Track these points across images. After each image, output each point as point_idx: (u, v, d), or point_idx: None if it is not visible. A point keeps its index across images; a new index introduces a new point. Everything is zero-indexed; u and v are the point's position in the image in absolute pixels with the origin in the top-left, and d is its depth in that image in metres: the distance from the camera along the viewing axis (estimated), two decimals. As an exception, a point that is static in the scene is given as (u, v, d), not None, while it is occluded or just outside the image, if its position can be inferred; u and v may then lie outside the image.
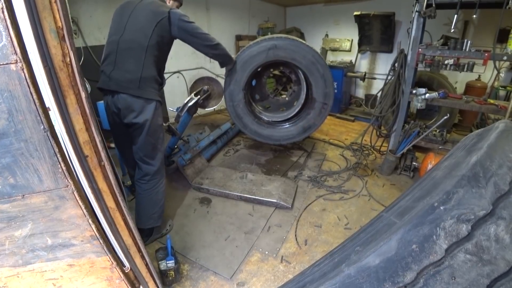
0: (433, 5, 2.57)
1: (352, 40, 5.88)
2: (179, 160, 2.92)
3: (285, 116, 3.49)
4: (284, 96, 3.91)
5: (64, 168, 0.93)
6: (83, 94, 0.99)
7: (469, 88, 4.43)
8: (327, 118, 5.14)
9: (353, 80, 6.03)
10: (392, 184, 3.06)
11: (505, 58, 2.49)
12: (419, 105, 2.94)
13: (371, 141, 3.53)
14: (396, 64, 3.09)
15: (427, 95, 2.91)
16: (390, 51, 5.49)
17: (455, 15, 2.56)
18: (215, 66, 5.23)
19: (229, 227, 2.36)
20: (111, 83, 1.85)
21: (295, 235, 2.28)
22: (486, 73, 3.93)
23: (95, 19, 3.51)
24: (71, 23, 3.35)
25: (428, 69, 3.36)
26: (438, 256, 0.68)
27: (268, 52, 2.90)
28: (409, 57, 2.92)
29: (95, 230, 1.07)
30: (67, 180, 0.95)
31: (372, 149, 3.66)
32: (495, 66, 2.60)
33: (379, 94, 3.43)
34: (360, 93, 6.28)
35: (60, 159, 0.91)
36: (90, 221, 1.04)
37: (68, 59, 0.93)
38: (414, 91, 2.98)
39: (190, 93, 2.91)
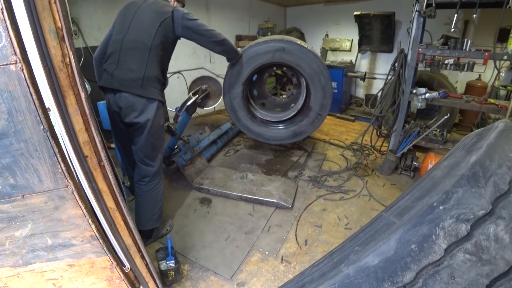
0: (433, 5, 2.56)
1: (352, 40, 5.88)
2: (179, 160, 2.92)
3: (279, 117, 3.49)
4: (283, 96, 3.91)
5: (64, 168, 0.93)
6: (82, 95, 0.99)
7: (470, 88, 4.43)
8: (327, 118, 5.17)
9: (353, 80, 6.03)
10: (393, 184, 3.05)
11: (505, 57, 2.48)
12: (419, 104, 2.94)
13: (372, 141, 3.53)
14: (396, 64, 3.09)
15: (428, 94, 2.91)
16: (390, 51, 5.49)
17: (455, 15, 2.56)
18: (215, 66, 5.26)
19: (229, 227, 2.36)
20: (113, 82, 1.85)
21: (296, 235, 2.28)
22: (487, 73, 3.93)
23: (95, 19, 3.52)
24: (71, 23, 3.36)
25: (428, 69, 3.36)
26: (437, 256, 0.68)
27: (274, 53, 2.90)
28: (409, 57, 2.91)
29: (95, 230, 1.07)
30: (67, 180, 0.95)
31: (372, 149, 3.65)
32: (495, 66, 2.59)
33: (379, 94, 3.43)
34: (360, 93, 6.28)
35: (60, 159, 0.92)
36: (90, 221, 1.04)
37: (68, 60, 0.93)
38: (414, 91, 2.98)
39: (189, 92, 2.91)
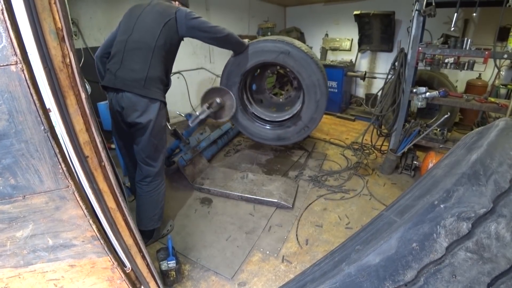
0: (433, 4, 2.56)
1: (352, 39, 5.88)
2: (180, 161, 2.92)
3: (270, 117, 3.49)
4: (281, 97, 3.92)
5: (64, 168, 0.93)
6: (83, 95, 1.00)
7: (470, 87, 4.42)
8: (328, 117, 5.20)
9: (354, 79, 6.02)
10: (393, 183, 3.05)
11: (505, 56, 2.48)
12: (419, 104, 2.93)
13: (372, 140, 3.52)
14: (396, 63, 3.09)
15: (428, 94, 2.91)
16: (390, 50, 5.48)
17: (455, 14, 2.55)
18: (215, 67, 5.26)
19: (230, 227, 2.36)
20: (116, 81, 1.86)
21: (296, 235, 2.28)
22: (487, 72, 3.92)
23: (95, 20, 3.52)
24: (71, 24, 3.36)
25: (429, 68, 3.37)
26: (438, 255, 0.68)
27: (279, 55, 2.89)
28: (409, 56, 2.91)
29: (96, 231, 1.07)
30: (68, 181, 0.95)
31: (372, 148, 3.65)
32: (495, 65, 2.59)
33: (379, 93, 3.43)
34: (361, 92, 6.27)
35: (60, 159, 0.92)
36: (90, 221, 1.05)
37: (68, 60, 0.94)
38: (414, 90, 2.98)
39: (202, 103, 2.90)
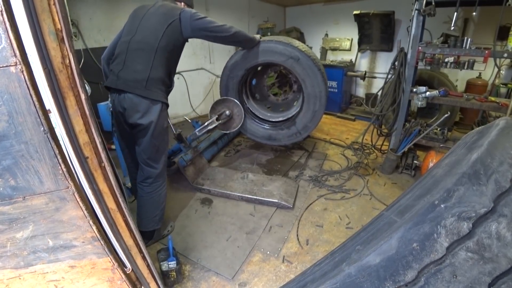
0: (433, 3, 2.56)
1: (352, 39, 5.88)
2: (180, 161, 2.92)
3: (265, 115, 3.49)
4: (279, 96, 3.92)
5: (64, 169, 0.93)
6: (82, 96, 1.00)
7: (470, 86, 4.42)
8: (328, 117, 5.20)
9: (354, 79, 6.02)
10: (394, 183, 3.05)
11: (505, 55, 2.48)
12: (419, 103, 2.93)
13: (372, 140, 3.52)
14: (396, 63, 3.09)
15: (428, 93, 2.91)
16: (390, 49, 5.48)
17: (455, 13, 2.55)
18: (215, 67, 5.26)
19: (230, 227, 2.36)
20: (118, 82, 1.86)
21: (297, 235, 2.28)
22: (487, 71, 3.91)
23: (95, 21, 3.52)
24: (71, 25, 3.37)
25: (429, 68, 3.36)
26: (439, 255, 0.68)
27: (288, 59, 2.88)
28: (409, 56, 2.91)
29: (96, 231, 1.07)
30: (68, 182, 0.95)
31: (373, 148, 3.65)
32: (495, 64, 2.59)
33: (379, 93, 3.42)
34: (361, 92, 6.27)
35: (60, 160, 0.92)
36: (91, 222, 1.04)
37: (68, 61, 0.94)
38: (414, 90, 2.97)
39: (211, 113, 2.91)
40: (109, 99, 2.03)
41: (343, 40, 5.95)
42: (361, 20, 5.33)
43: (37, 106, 0.84)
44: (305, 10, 6.47)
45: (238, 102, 2.97)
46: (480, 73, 4.25)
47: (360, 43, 5.72)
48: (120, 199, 1.18)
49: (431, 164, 2.78)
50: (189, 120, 3.35)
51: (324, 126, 4.79)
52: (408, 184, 3.04)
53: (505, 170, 0.76)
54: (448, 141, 3.08)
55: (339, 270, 0.77)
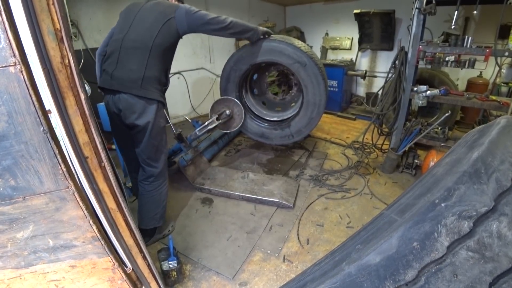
0: (433, 2, 2.55)
1: (352, 38, 5.86)
2: (180, 161, 2.92)
3: (260, 112, 3.49)
4: (277, 95, 3.91)
5: (64, 169, 0.93)
6: (82, 96, 1.00)
7: (471, 85, 4.40)
8: (328, 117, 5.19)
9: (354, 78, 6.01)
10: (394, 182, 3.04)
11: (506, 54, 2.46)
12: (420, 102, 2.92)
13: (373, 139, 3.52)
14: (396, 62, 3.08)
15: (428, 92, 2.90)
16: (390, 49, 5.47)
17: (456, 12, 2.54)
18: (216, 67, 5.26)
19: (231, 227, 2.36)
20: (113, 82, 1.83)
21: (297, 235, 2.28)
22: (488, 70, 3.90)
23: (95, 21, 3.52)
24: (71, 26, 3.36)
25: (429, 66, 3.35)
26: (439, 254, 0.68)
27: (295, 63, 2.87)
28: (409, 55, 2.90)
29: (96, 231, 1.07)
30: (68, 182, 0.95)
31: (373, 147, 3.64)
32: (496, 63, 2.58)
33: (380, 92, 3.42)
34: (361, 91, 6.26)
35: (60, 160, 0.92)
36: (91, 222, 1.04)
37: (67, 61, 0.93)
38: (415, 89, 2.97)
39: (211, 113, 2.91)
40: (104, 100, 1.99)
41: (343, 39, 5.94)
42: (362, 19, 5.32)
43: (37, 106, 0.84)
44: (305, 9, 6.46)
45: (238, 102, 2.96)
46: (481, 72, 4.23)
47: (360, 42, 5.70)
48: (120, 199, 1.18)
49: (431, 163, 2.77)
50: (189, 120, 3.36)
51: (325, 125, 4.79)
52: (408, 183, 3.03)
53: (506, 168, 0.76)
54: (449, 140, 3.07)
55: (339, 270, 0.77)
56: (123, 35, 1.87)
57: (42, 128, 0.86)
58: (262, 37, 2.75)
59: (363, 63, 6.03)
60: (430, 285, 0.67)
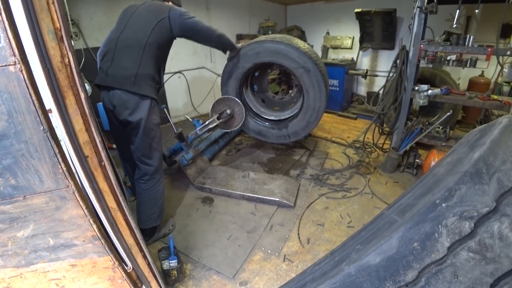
0: (435, 1, 2.54)
1: (353, 37, 5.85)
2: (181, 160, 2.92)
3: (259, 110, 3.49)
4: (276, 94, 3.91)
5: (64, 168, 0.93)
6: (82, 95, 0.99)
7: (472, 84, 4.38)
8: (329, 116, 5.18)
9: (355, 77, 5.99)
10: (395, 182, 3.04)
11: (508, 53, 2.45)
12: (421, 102, 2.91)
13: (374, 138, 3.51)
14: (398, 61, 3.07)
15: (430, 91, 2.89)
16: (391, 48, 5.45)
17: (457, 10, 2.53)
18: (216, 66, 5.25)
19: (231, 226, 2.36)
20: (107, 79, 1.87)
21: (298, 234, 2.28)
22: (490, 69, 3.88)
23: (95, 20, 3.52)
24: (72, 25, 3.35)
25: (430, 66, 3.33)
26: (440, 255, 0.67)
27: (299, 68, 2.88)
28: (411, 54, 2.89)
29: (96, 230, 1.07)
30: (68, 181, 0.95)
31: (374, 146, 3.63)
32: (498, 62, 2.56)
33: (381, 92, 3.41)
34: (362, 90, 6.25)
35: (60, 159, 0.92)
36: (91, 221, 1.05)
37: (67, 60, 0.93)
38: (416, 88, 2.96)
39: (211, 112, 2.92)
40: (100, 98, 2.04)
41: (344, 38, 5.92)
42: (363, 18, 5.30)
43: (37, 105, 0.84)
44: (306, 8, 6.44)
45: (239, 101, 2.97)
46: (482, 71, 4.21)
47: (361, 41, 5.68)
48: (120, 198, 1.18)
49: (433, 163, 2.76)
50: (190, 119, 3.36)
51: (326, 125, 4.78)
52: (409, 183, 3.03)
53: (508, 169, 0.75)
54: (450, 139, 3.06)
55: (339, 270, 0.77)
56: (118, 34, 1.93)
57: (42, 127, 0.86)
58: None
59: (364, 62, 6.02)
60: (431, 286, 0.67)
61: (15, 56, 0.78)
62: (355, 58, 5.75)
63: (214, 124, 2.81)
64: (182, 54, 4.62)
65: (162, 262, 1.76)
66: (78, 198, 0.99)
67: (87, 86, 2.31)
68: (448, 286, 0.66)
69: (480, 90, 3.90)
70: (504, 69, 4.27)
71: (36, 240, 1.04)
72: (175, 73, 4.59)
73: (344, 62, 5.31)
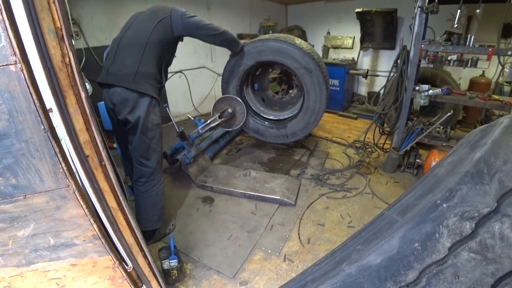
0: (436, 0, 2.53)
1: (354, 37, 5.84)
2: (183, 159, 2.92)
3: (258, 109, 3.49)
4: (276, 93, 3.90)
5: (65, 168, 0.93)
6: (83, 94, 0.99)
7: (473, 84, 4.37)
8: (330, 116, 5.18)
9: (356, 77, 5.98)
10: (396, 182, 3.03)
11: (509, 53, 2.44)
12: (422, 102, 2.91)
13: (374, 138, 3.50)
14: (398, 61, 3.06)
15: (430, 91, 2.88)
16: (392, 47, 5.44)
17: (458, 10, 2.53)
18: (217, 65, 5.25)
19: (232, 226, 2.36)
20: (108, 77, 1.89)
21: (298, 234, 2.28)
22: (490, 69, 3.88)
23: (96, 20, 3.52)
24: (73, 24, 3.35)
25: (431, 66, 3.33)
26: (441, 255, 0.67)
27: (301, 68, 2.87)
28: (411, 54, 2.88)
29: (96, 230, 1.07)
30: (68, 180, 0.95)
31: (375, 146, 3.63)
32: (499, 62, 2.56)
33: (381, 91, 3.40)
34: (363, 90, 6.24)
35: (60, 159, 0.92)
36: (91, 220, 1.05)
37: (68, 60, 0.93)
38: (417, 88, 2.95)
39: (213, 111, 2.93)
40: (102, 96, 2.05)
41: (345, 38, 5.91)
42: (363, 18, 5.29)
43: (37, 104, 0.84)
44: (307, 8, 6.43)
45: (240, 100, 2.97)
46: (483, 71, 4.20)
47: (362, 41, 5.67)
48: (120, 198, 1.18)
49: (433, 163, 2.76)
50: (192, 118, 3.36)
51: (326, 125, 4.77)
52: (410, 183, 3.02)
53: (509, 169, 0.75)
54: (450, 139, 3.06)
55: (340, 270, 0.77)
56: (122, 34, 1.98)
57: (42, 127, 0.86)
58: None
59: (365, 62, 6.01)
60: (431, 286, 0.67)
61: (15, 55, 0.78)
62: (355, 58, 5.75)
63: (216, 123, 2.81)
64: (183, 54, 4.60)
65: (163, 261, 1.76)
66: (79, 198, 0.99)
67: (88, 86, 2.31)
68: (449, 286, 0.65)
69: (481, 90, 3.89)
70: (505, 69, 4.26)
71: (37, 240, 1.04)
72: (176, 72, 4.59)
73: (345, 62, 5.30)
